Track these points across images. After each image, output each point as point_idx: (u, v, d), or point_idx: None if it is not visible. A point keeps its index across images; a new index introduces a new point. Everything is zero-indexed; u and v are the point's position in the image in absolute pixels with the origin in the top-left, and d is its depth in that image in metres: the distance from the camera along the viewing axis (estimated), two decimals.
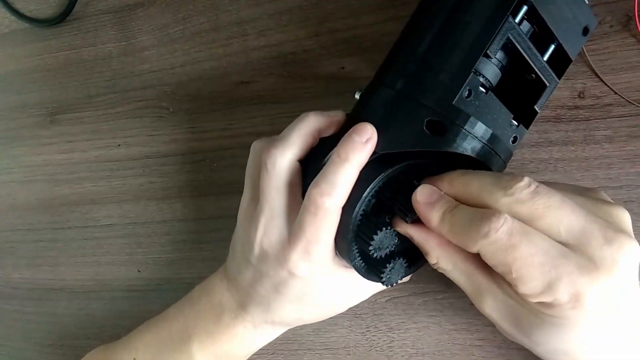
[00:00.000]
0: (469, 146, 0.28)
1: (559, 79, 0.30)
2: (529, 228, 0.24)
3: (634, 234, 0.34)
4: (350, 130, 0.29)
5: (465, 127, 0.27)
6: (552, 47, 0.30)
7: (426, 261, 0.30)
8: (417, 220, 0.28)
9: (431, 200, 0.27)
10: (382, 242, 0.29)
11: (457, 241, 0.27)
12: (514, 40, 0.28)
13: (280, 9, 0.42)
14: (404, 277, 0.31)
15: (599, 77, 0.35)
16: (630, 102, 0.34)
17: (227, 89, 0.44)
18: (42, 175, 0.50)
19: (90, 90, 0.48)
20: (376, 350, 0.39)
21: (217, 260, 0.38)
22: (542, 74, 0.29)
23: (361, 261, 0.30)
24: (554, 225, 0.24)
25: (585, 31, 0.30)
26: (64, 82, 0.49)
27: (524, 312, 0.26)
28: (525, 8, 0.28)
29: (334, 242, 0.30)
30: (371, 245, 0.28)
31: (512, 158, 0.36)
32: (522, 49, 0.28)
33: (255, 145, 0.33)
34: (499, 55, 0.29)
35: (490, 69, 0.29)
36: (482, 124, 0.28)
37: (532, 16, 0.29)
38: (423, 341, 0.38)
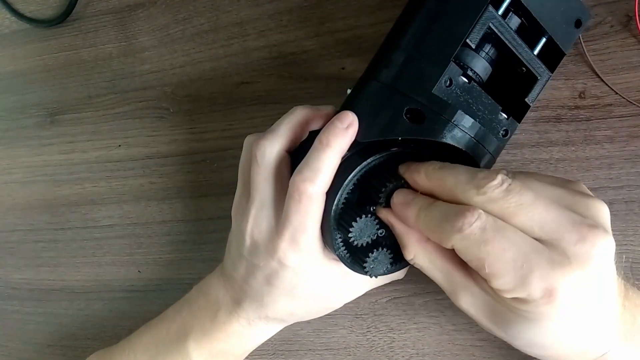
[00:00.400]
0: (450, 135, 0.28)
1: (552, 72, 0.30)
2: (502, 223, 0.25)
3: (636, 234, 0.34)
4: (333, 117, 0.30)
5: (445, 116, 0.28)
6: (543, 40, 0.30)
7: None
8: None
9: (407, 200, 0.28)
10: (362, 230, 0.29)
11: (433, 237, 0.27)
12: (496, 31, 0.28)
13: (281, 9, 0.42)
14: (391, 271, 0.31)
15: (599, 77, 0.35)
16: (631, 102, 0.34)
17: (227, 89, 0.44)
18: (42, 176, 0.50)
19: (91, 91, 0.48)
20: (377, 351, 0.39)
21: (217, 260, 0.38)
22: (532, 66, 0.30)
23: (345, 250, 0.30)
24: (526, 222, 0.25)
25: (578, 24, 0.30)
26: (64, 82, 0.49)
27: (499, 307, 0.26)
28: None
29: (320, 233, 0.31)
30: (351, 232, 0.29)
31: (513, 158, 0.36)
32: (506, 39, 0.28)
33: (247, 140, 0.34)
34: (488, 49, 0.29)
35: (478, 62, 0.29)
36: (465, 114, 0.28)
37: (519, 9, 0.29)
38: (424, 341, 0.38)
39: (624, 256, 0.33)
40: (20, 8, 0.51)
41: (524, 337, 0.27)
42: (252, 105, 0.43)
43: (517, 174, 0.26)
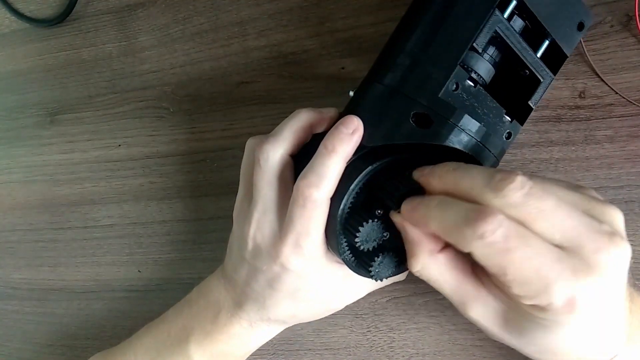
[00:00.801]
0: (456, 139, 0.28)
1: (555, 75, 0.30)
2: (524, 231, 0.24)
3: (635, 234, 0.34)
4: (337, 122, 0.30)
5: (451, 120, 0.28)
6: (546, 42, 0.30)
7: None
8: None
9: (419, 202, 0.27)
10: (369, 234, 0.29)
11: (450, 239, 0.25)
12: (502, 35, 0.28)
13: (281, 9, 0.42)
14: (395, 274, 0.31)
15: (599, 77, 0.35)
16: (631, 102, 0.34)
17: (227, 89, 0.44)
18: (42, 176, 0.50)
19: (91, 91, 0.48)
20: (377, 351, 0.39)
21: (217, 260, 0.38)
22: (535, 70, 0.29)
23: (350, 255, 0.30)
24: (548, 229, 0.24)
25: (581, 26, 0.30)
26: (64, 82, 0.49)
27: (513, 314, 0.26)
28: (514, 3, 0.28)
29: (324, 236, 0.30)
30: (358, 237, 0.28)
31: (513, 158, 0.36)
32: (512, 43, 0.28)
33: (249, 143, 0.33)
34: (491, 51, 0.29)
35: (482, 65, 0.29)
36: (471, 118, 0.28)
37: (523, 11, 0.29)
38: (424, 341, 0.38)
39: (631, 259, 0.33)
40: (20, 8, 0.51)
41: (537, 344, 0.26)
42: (252, 105, 0.43)
43: (533, 176, 0.25)
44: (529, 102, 0.30)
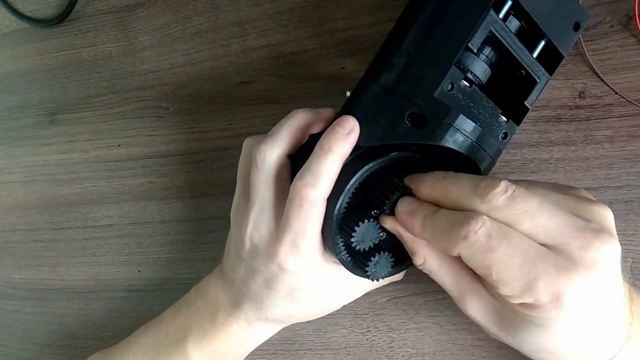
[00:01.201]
0: (451, 139, 0.28)
1: (551, 75, 0.30)
2: (507, 229, 0.24)
3: (635, 234, 0.34)
4: (334, 122, 0.30)
5: (447, 120, 0.28)
6: (542, 43, 0.30)
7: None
8: None
9: (411, 209, 0.28)
10: (365, 234, 0.29)
11: (439, 245, 0.27)
12: (497, 35, 0.28)
13: (281, 9, 0.42)
14: (392, 273, 0.31)
15: (599, 77, 0.35)
16: (630, 102, 0.34)
17: (227, 89, 0.44)
18: (42, 176, 0.50)
19: (90, 91, 0.48)
20: (377, 351, 0.39)
21: (217, 260, 0.38)
22: (531, 70, 0.30)
23: (347, 254, 0.30)
24: (532, 229, 0.24)
25: (577, 27, 0.30)
26: (64, 82, 0.49)
27: (507, 313, 0.26)
28: (509, 3, 0.28)
29: (321, 237, 0.30)
30: (354, 236, 0.29)
31: (513, 158, 0.36)
32: (507, 43, 0.28)
33: (247, 143, 0.34)
34: (487, 52, 0.29)
35: (478, 65, 0.29)
36: (466, 118, 0.28)
37: (519, 12, 0.29)
38: (423, 341, 0.38)
39: (629, 259, 0.33)
40: (20, 7, 0.51)
41: (532, 343, 0.26)
42: (252, 105, 0.43)
43: (519, 181, 0.26)
44: (525, 103, 0.30)
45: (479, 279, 0.27)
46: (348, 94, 0.32)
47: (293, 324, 0.37)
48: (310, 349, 0.40)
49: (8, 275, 0.51)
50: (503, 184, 0.25)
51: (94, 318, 0.47)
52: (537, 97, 0.30)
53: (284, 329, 0.37)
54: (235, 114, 0.43)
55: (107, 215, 0.47)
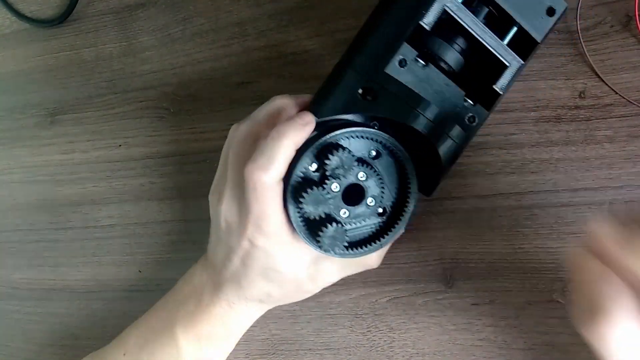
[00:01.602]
0: (403, 114, 0.30)
1: (525, 61, 0.31)
2: None
3: None
4: (294, 115, 0.31)
5: (397, 95, 0.29)
6: (514, 29, 0.31)
7: (380, 242, 0.32)
8: None
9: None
10: (315, 202, 0.30)
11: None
12: (453, 15, 0.29)
13: (281, 9, 0.42)
14: (347, 255, 0.32)
15: (599, 77, 0.35)
16: (630, 102, 0.34)
17: (227, 89, 0.44)
18: (43, 176, 0.50)
19: (91, 91, 0.48)
20: (377, 351, 0.39)
21: None
22: (499, 54, 0.30)
23: (302, 222, 0.31)
24: None
25: (551, 12, 0.31)
26: (65, 82, 0.49)
27: None
28: None
29: (286, 215, 0.31)
30: (302, 202, 0.30)
31: (513, 158, 0.36)
32: (466, 24, 0.30)
33: (231, 129, 0.35)
34: (460, 41, 0.31)
35: (447, 52, 0.30)
36: (420, 95, 0.30)
37: None
38: (424, 341, 0.38)
39: None
40: (21, 8, 0.51)
41: None
42: (252, 105, 0.42)
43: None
44: (495, 87, 0.31)
45: None
46: None
47: (293, 324, 0.37)
48: (310, 349, 0.40)
49: (9, 275, 0.51)
50: None
51: (94, 318, 0.47)
52: (510, 82, 0.31)
53: (284, 328, 0.37)
54: (235, 114, 0.43)
55: (108, 216, 0.47)
